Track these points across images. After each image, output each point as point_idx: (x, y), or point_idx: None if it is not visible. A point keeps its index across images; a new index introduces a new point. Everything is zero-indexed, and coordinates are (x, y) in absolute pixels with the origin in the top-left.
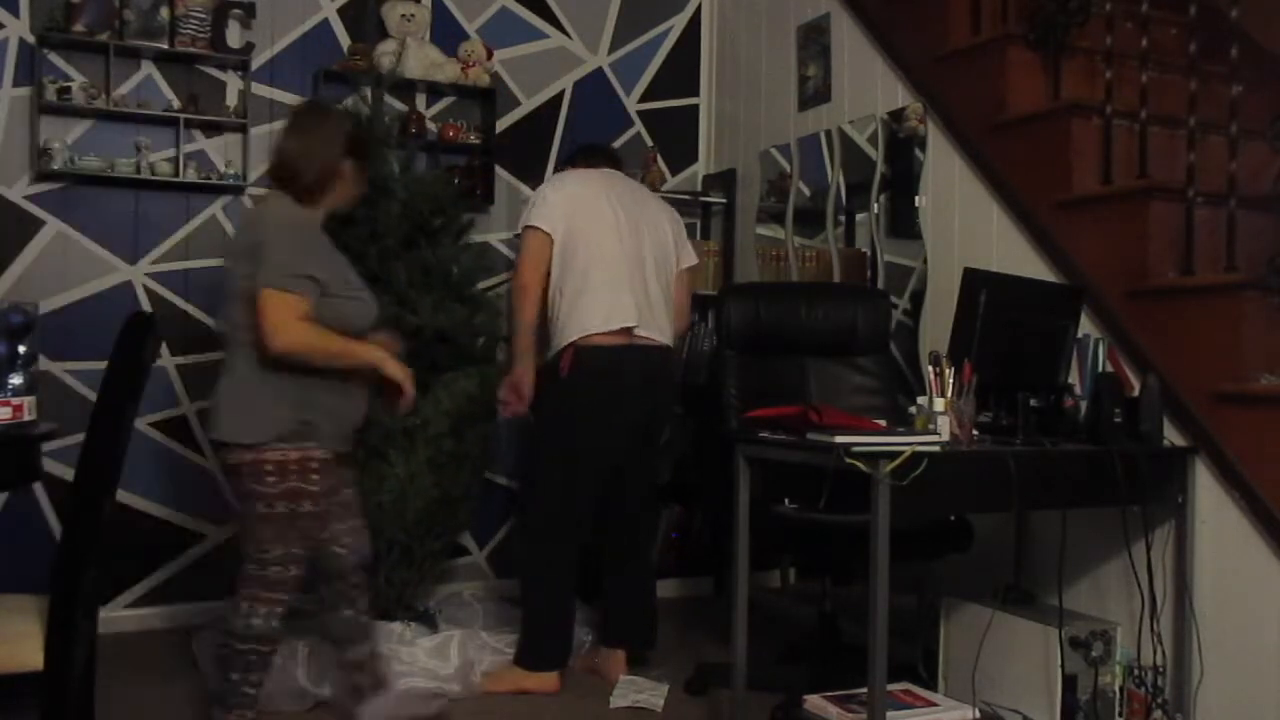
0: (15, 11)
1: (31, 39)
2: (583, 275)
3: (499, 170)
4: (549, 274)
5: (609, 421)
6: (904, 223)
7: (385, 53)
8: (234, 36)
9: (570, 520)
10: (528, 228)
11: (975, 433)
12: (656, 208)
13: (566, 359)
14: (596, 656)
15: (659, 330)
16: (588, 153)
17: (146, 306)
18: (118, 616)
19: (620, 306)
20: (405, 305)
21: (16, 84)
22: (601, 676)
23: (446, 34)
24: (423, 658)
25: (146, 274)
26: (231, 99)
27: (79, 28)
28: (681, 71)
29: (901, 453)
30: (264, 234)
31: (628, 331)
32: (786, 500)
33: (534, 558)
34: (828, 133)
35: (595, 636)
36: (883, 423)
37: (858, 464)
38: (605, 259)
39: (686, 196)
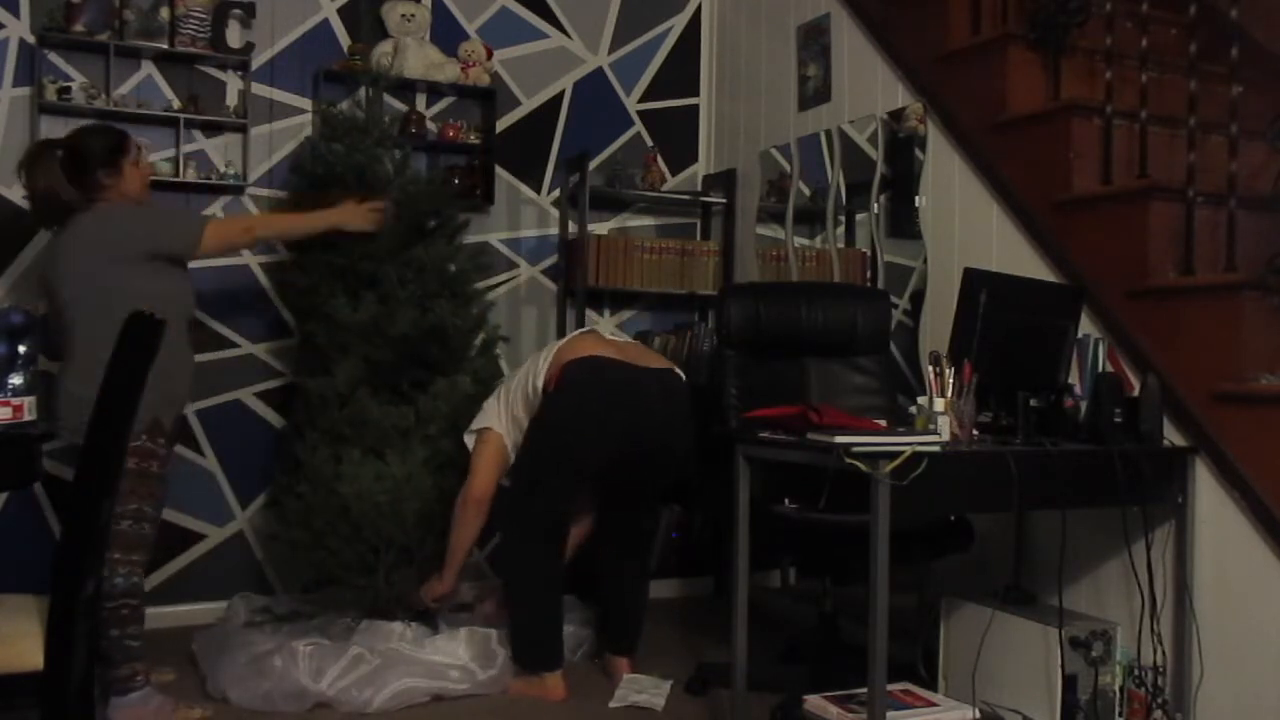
0: (15, 11)
1: (31, 39)
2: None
3: (499, 170)
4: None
5: (600, 425)
6: (904, 223)
7: (385, 53)
8: (234, 36)
9: (553, 520)
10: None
11: (975, 433)
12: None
13: (554, 375)
14: (603, 662)
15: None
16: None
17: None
18: None
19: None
20: (387, 304)
21: (16, 84)
22: (608, 678)
23: (446, 34)
24: (429, 657)
25: None
26: (231, 99)
27: (79, 28)
28: (681, 71)
29: (901, 453)
30: None
31: (612, 354)
32: (786, 500)
33: (518, 558)
34: (828, 133)
35: (596, 639)
36: (883, 423)
37: (858, 464)
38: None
39: (686, 196)
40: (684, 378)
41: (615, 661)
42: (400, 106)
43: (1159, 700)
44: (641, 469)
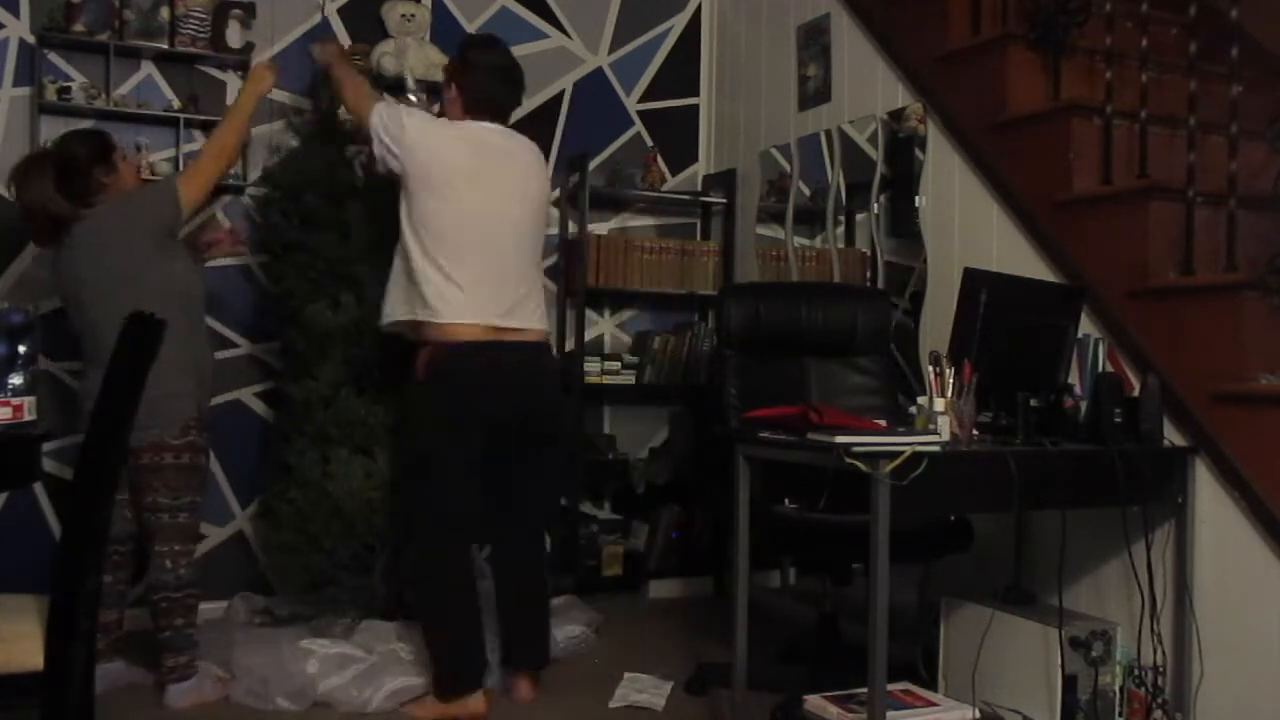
0: (15, 11)
1: (31, 39)
2: (454, 254)
3: None
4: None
5: (473, 418)
6: (904, 223)
7: (385, 53)
8: (234, 36)
9: (456, 516)
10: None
11: (975, 433)
12: (530, 160)
13: (424, 361)
14: (504, 681)
15: (532, 319)
16: (481, 83)
17: None
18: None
19: (494, 300)
20: (363, 305)
21: (16, 84)
22: (511, 701)
23: (446, 34)
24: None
25: None
26: (231, 99)
27: (79, 28)
28: (681, 71)
29: (901, 453)
30: None
31: (496, 328)
32: (786, 500)
33: (425, 571)
34: (828, 133)
35: (501, 657)
36: (883, 423)
37: (858, 464)
38: (477, 238)
39: (686, 196)
40: (547, 343)
41: (520, 683)
42: None
43: (1159, 700)
44: (513, 435)
